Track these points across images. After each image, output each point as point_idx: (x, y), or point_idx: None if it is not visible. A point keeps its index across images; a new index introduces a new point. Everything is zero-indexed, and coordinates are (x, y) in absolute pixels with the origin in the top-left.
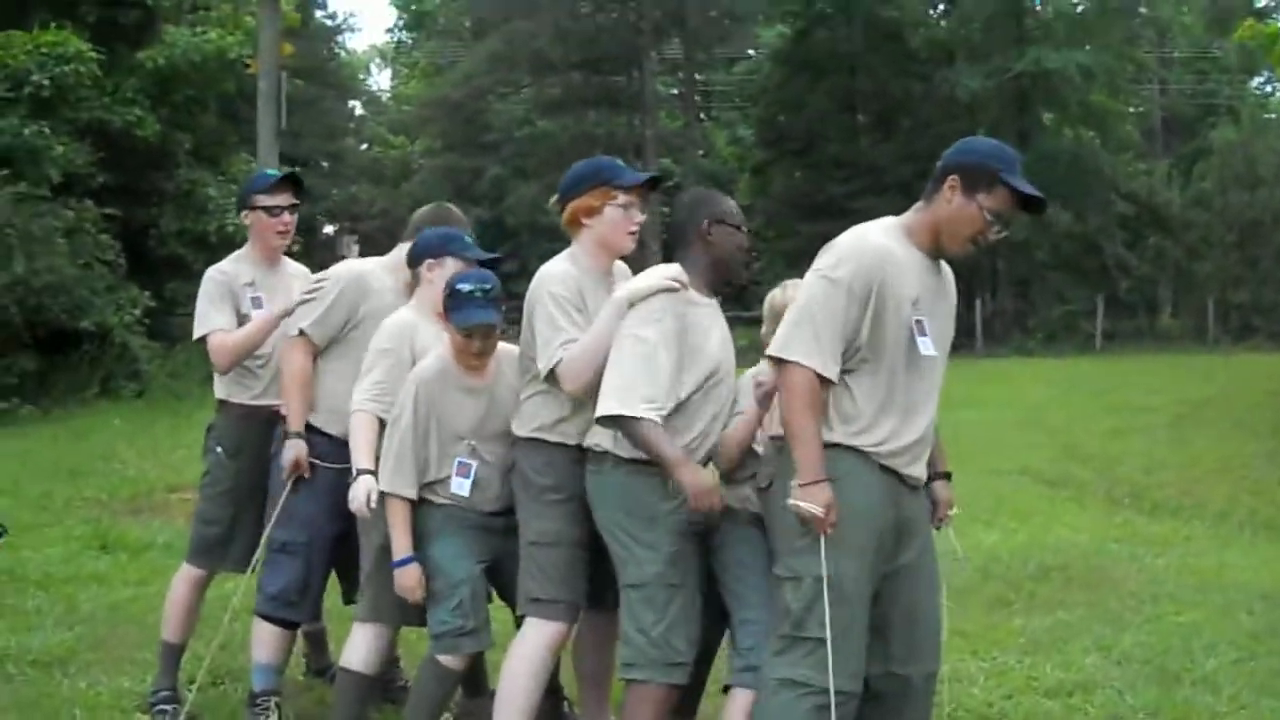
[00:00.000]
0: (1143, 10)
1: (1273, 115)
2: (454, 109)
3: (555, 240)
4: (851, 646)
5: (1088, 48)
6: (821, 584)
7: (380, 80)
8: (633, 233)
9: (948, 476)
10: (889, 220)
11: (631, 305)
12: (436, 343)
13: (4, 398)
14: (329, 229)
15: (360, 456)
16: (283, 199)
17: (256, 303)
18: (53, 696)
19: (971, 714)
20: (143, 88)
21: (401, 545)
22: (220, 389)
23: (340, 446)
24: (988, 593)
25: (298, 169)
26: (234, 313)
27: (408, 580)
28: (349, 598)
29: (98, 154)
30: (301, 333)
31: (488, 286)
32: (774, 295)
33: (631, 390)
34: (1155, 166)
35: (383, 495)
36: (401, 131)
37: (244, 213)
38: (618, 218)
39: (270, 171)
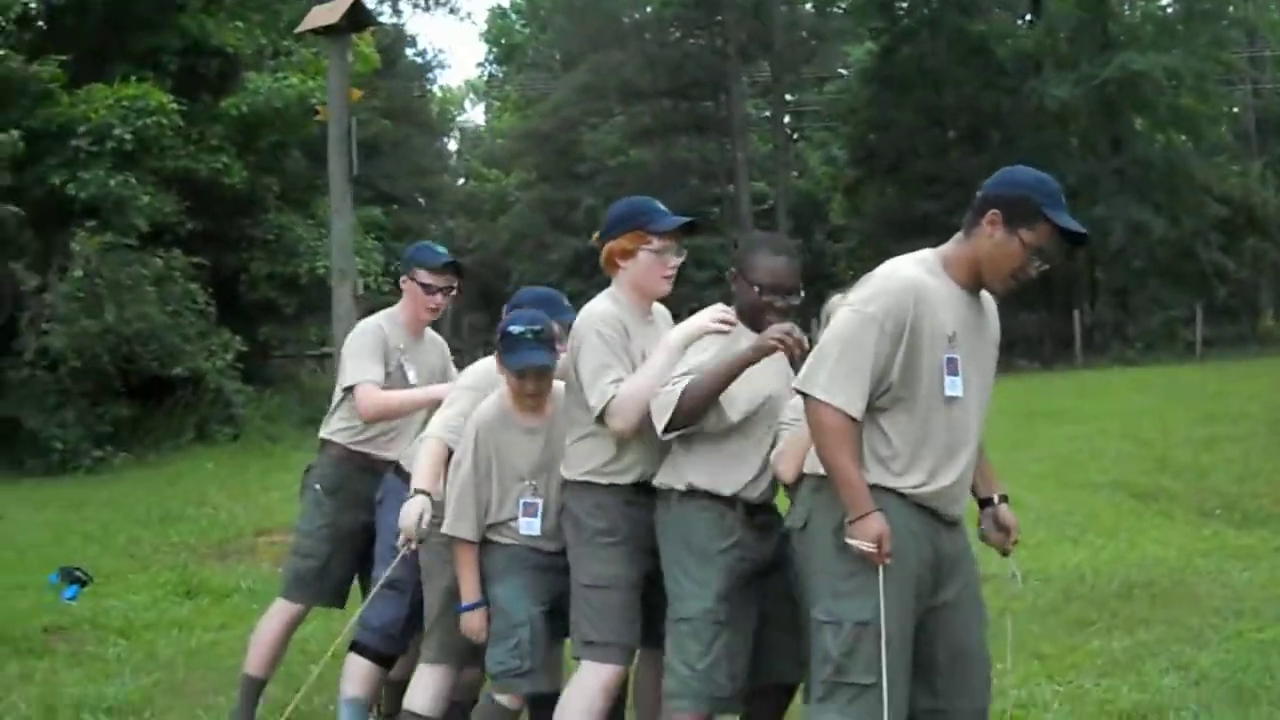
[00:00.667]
0: (1231, 10)
1: None
2: (546, 140)
3: None
4: (894, 690)
5: (1175, 51)
6: (862, 628)
7: (475, 114)
8: (667, 276)
9: (1005, 499)
10: (926, 252)
11: (686, 347)
12: None
13: (99, 446)
14: None
15: (420, 478)
16: (443, 281)
17: (401, 367)
18: None
19: None
20: (228, 135)
21: (469, 589)
22: (326, 429)
23: None
24: (1070, 613)
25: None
26: (384, 368)
27: (474, 624)
28: None
29: (184, 202)
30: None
31: (538, 328)
32: (831, 304)
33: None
34: (1250, 168)
35: (450, 539)
36: (496, 165)
37: (403, 278)
38: (650, 262)
39: (440, 249)
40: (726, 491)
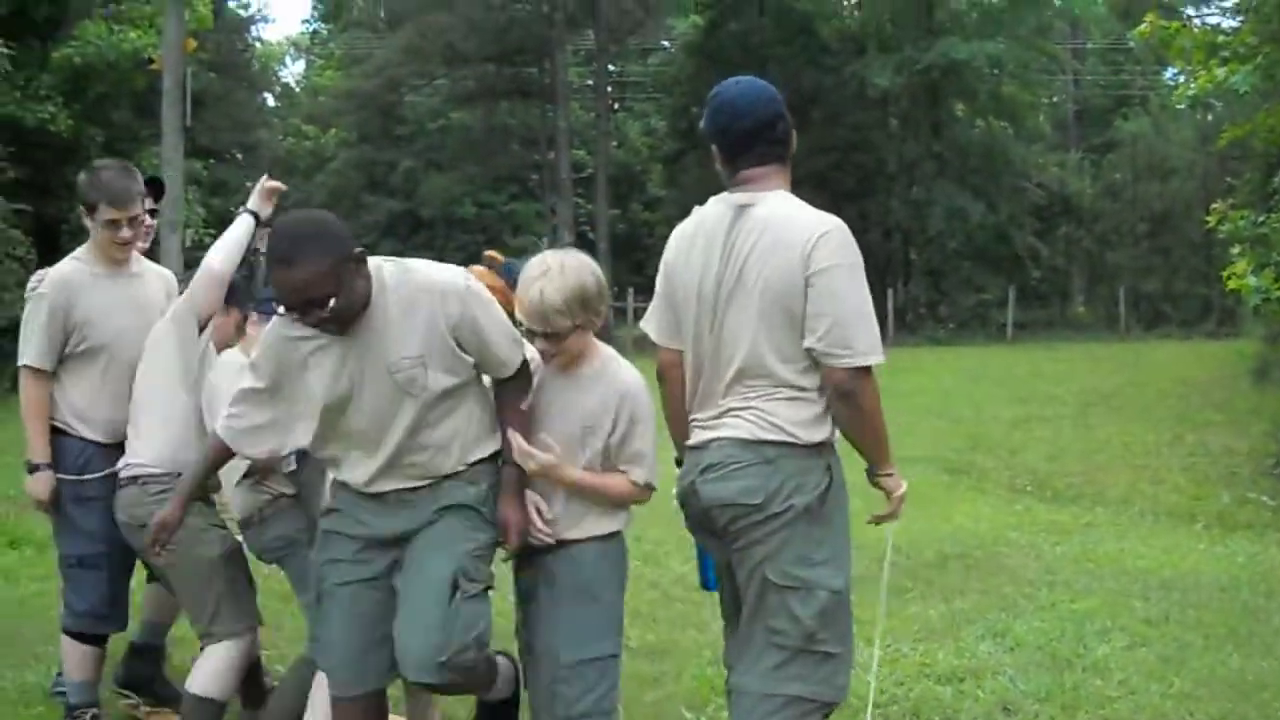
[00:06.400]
0: (1056, 1)
1: (1182, 106)
2: (368, 100)
3: (469, 231)
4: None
5: (998, 39)
6: (837, 597)
7: (295, 71)
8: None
9: None
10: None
11: None
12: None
13: None
14: None
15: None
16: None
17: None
18: None
19: (863, 701)
20: (56, 85)
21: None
22: None
23: (105, 450)
24: (887, 581)
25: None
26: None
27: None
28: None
29: (8, 149)
30: (28, 366)
31: None
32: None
33: None
34: (1067, 157)
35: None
36: (316, 123)
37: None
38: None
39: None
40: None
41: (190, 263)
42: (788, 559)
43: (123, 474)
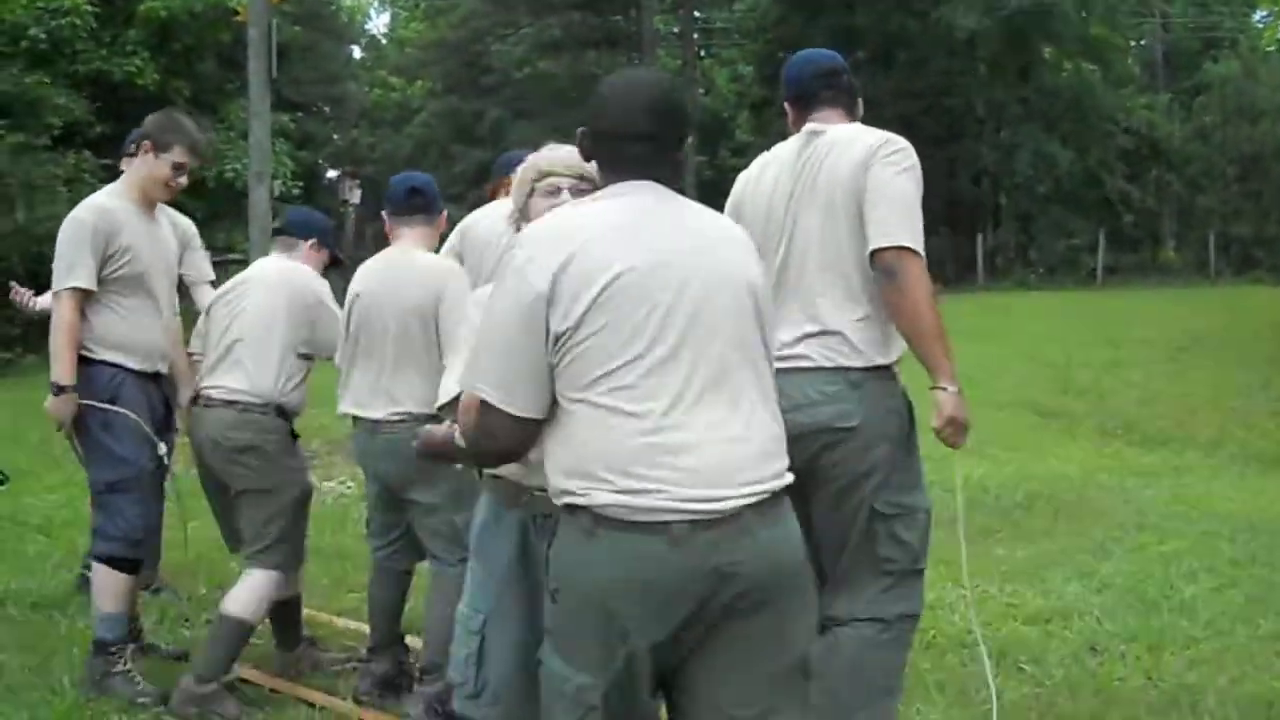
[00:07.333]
0: None
1: (1271, 49)
2: (453, 51)
3: None
4: None
5: None
6: (928, 516)
7: (381, 23)
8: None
9: None
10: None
11: None
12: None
13: (7, 348)
14: (331, 174)
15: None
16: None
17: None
18: (51, 636)
19: (951, 640)
20: (142, 39)
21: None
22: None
23: (137, 378)
24: (973, 522)
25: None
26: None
27: None
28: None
29: (95, 104)
30: (76, 287)
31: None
32: None
33: None
34: (1156, 100)
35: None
36: (402, 74)
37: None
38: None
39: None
40: None
41: (277, 213)
42: (892, 487)
43: (215, 395)
